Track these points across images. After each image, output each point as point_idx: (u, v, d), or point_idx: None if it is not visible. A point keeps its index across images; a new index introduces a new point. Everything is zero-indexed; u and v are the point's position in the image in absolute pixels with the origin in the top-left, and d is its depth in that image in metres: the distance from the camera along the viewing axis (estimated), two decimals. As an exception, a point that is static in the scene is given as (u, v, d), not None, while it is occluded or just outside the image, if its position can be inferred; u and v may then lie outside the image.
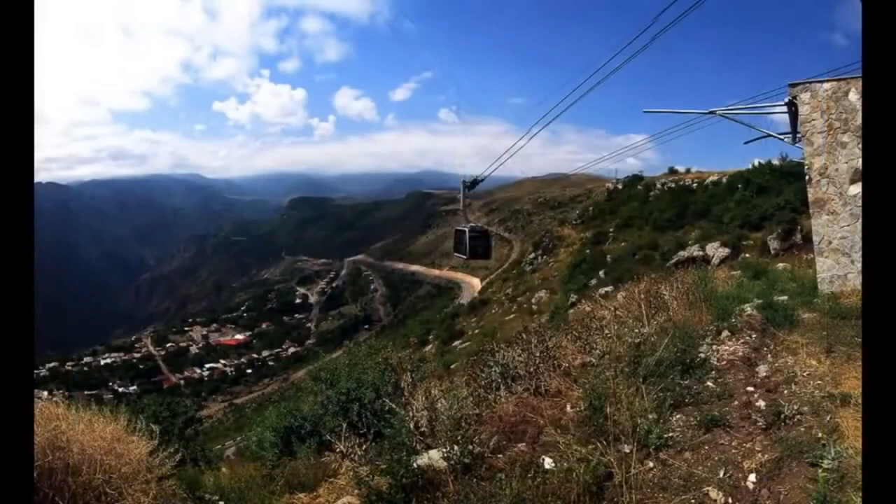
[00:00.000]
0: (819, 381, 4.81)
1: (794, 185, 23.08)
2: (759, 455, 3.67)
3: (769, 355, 5.81)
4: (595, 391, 4.10)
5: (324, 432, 6.02)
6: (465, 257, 11.34)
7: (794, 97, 8.76)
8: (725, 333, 6.35)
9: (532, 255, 50.20)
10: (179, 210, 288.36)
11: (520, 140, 10.55)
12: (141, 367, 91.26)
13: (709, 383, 5.02)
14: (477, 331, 38.35)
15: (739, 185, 28.63)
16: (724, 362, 5.51)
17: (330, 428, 5.85)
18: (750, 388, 4.84)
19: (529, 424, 4.45)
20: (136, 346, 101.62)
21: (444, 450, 3.89)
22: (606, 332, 5.91)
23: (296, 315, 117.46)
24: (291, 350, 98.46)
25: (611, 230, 38.44)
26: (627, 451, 3.70)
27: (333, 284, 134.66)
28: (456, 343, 38.75)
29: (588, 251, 37.26)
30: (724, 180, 31.60)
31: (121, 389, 78.80)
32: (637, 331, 5.54)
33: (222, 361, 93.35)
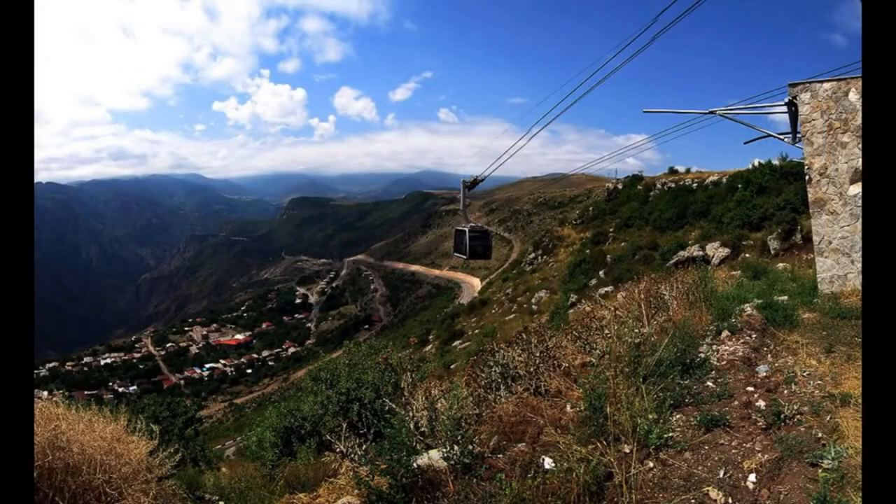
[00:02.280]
0: (819, 381, 4.81)
1: (794, 185, 23.07)
2: (759, 455, 3.66)
3: (769, 355, 5.81)
4: (595, 391, 4.09)
5: (324, 432, 6.03)
6: (465, 257, 11.35)
7: (794, 97, 8.76)
8: (725, 333, 6.35)
9: (532, 255, 50.13)
10: (179, 210, 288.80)
11: (520, 140, 10.55)
12: (141, 367, 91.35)
13: (709, 383, 5.02)
14: (477, 331, 38.31)
15: (739, 185, 28.54)
16: (724, 362, 5.51)
17: (330, 428, 5.86)
18: (750, 388, 4.84)
19: (529, 424, 4.45)
20: (136, 346, 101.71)
21: (444, 450, 3.89)
22: (606, 332, 5.90)
23: (296, 315, 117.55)
24: (291, 350, 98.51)
25: (611, 230, 38.39)
26: (627, 451, 3.69)
27: (333, 284, 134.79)
28: (456, 343, 38.73)
29: (588, 251, 37.19)
30: (724, 180, 31.49)
31: (121, 389, 78.87)
32: (637, 331, 5.53)
33: (222, 361, 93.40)
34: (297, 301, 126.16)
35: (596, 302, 9.59)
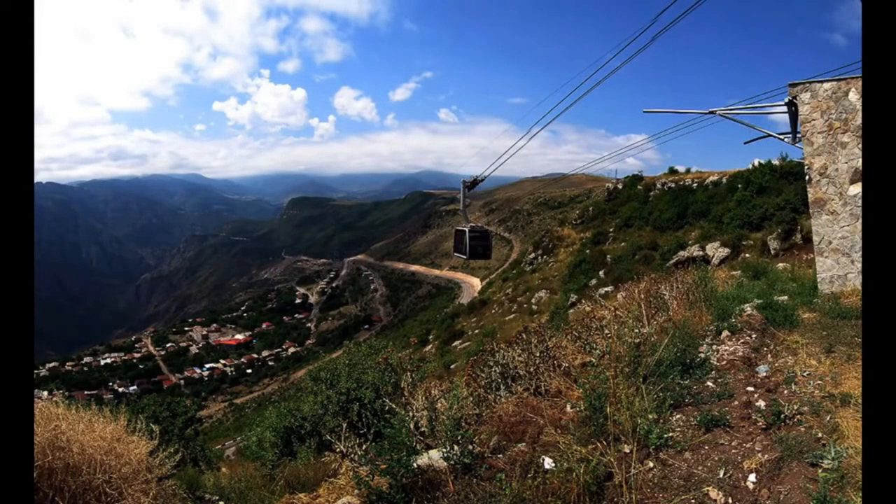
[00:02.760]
0: (819, 381, 4.81)
1: (794, 185, 23.09)
2: (759, 455, 3.66)
3: (769, 355, 5.81)
4: (595, 391, 4.09)
5: (324, 432, 6.03)
6: (465, 257, 11.37)
7: (794, 97, 8.76)
8: (725, 333, 6.35)
9: (532, 255, 50.12)
10: (179, 210, 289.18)
11: (520, 140, 10.56)
12: (141, 367, 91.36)
13: (709, 383, 5.02)
14: (477, 331, 38.33)
15: (739, 185, 28.54)
16: (724, 362, 5.51)
17: (330, 428, 5.86)
18: (750, 388, 4.84)
19: (529, 424, 4.45)
20: (136, 346, 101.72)
21: (444, 450, 3.88)
22: (606, 332, 5.90)
23: (296, 315, 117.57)
24: (291, 350, 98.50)
25: (611, 230, 38.37)
26: (627, 451, 3.69)
27: (333, 284, 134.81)
28: (456, 343, 38.75)
29: (588, 251, 37.19)
30: (724, 180, 31.47)
31: (121, 389, 78.88)
32: (637, 331, 5.53)
33: (222, 361, 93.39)
34: (297, 301, 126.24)
35: (596, 302, 9.59)
